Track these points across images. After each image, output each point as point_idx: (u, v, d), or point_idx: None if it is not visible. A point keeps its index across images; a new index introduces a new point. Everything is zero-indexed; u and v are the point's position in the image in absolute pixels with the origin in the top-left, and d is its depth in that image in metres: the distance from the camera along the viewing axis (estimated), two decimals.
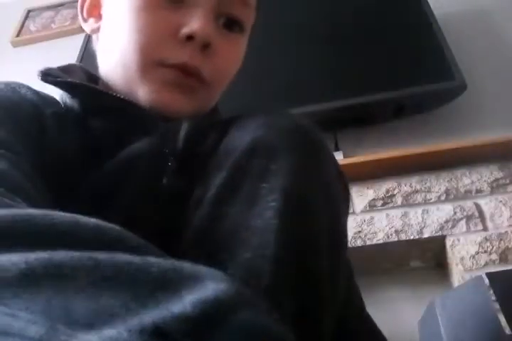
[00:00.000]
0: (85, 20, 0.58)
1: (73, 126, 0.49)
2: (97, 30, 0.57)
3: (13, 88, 0.49)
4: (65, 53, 1.77)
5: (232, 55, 0.55)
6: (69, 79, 0.51)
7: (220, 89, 0.56)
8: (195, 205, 0.39)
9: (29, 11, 2.25)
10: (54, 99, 0.53)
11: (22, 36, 2.14)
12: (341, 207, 0.44)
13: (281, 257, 0.34)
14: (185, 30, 0.49)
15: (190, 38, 0.49)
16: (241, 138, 0.42)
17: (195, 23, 0.49)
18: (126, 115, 0.49)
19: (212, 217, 0.37)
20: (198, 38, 0.49)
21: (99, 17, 0.57)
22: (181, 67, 0.49)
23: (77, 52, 1.81)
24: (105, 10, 0.56)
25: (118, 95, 0.50)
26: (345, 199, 0.47)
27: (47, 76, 0.51)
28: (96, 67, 0.57)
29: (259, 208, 0.36)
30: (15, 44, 2.13)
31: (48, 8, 2.24)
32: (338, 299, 0.39)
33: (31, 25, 2.19)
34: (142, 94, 0.50)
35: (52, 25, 2.16)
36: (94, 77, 0.57)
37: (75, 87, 0.51)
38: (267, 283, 0.32)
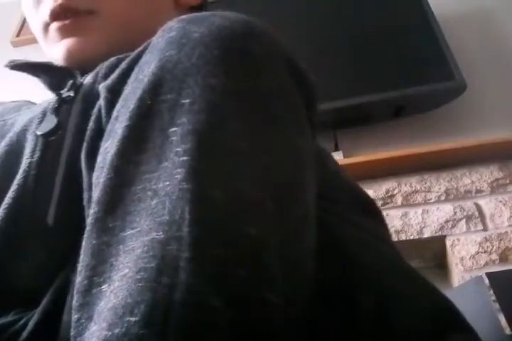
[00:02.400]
0: None
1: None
2: None
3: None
4: None
5: None
6: (25, 61, 0.51)
7: (122, 14, 0.50)
8: (99, 168, 0.29)
9: None
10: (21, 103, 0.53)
11: (22, 36, 2.14)
12: (291, 135, 0.30)
13: (200, 239, 0.23)
14: None
15: None
16: (149, 64, 0.30)
17: None
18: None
19: (113, 181, 0.27)
20: None
21: None
22: (54, 14, 0.48)
23: None
24: None
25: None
26: (299, 120, 0.32)
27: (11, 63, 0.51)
28: None
29: (167, 164, 0.25)
30: (15, 44, 2.13)
31: None
32: (300, 275, 0.27)
33: None
34: (56, 56, 0.49)
35: None
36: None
37: (34, 68, 0.51)
38: (185, 280, 0.22)
